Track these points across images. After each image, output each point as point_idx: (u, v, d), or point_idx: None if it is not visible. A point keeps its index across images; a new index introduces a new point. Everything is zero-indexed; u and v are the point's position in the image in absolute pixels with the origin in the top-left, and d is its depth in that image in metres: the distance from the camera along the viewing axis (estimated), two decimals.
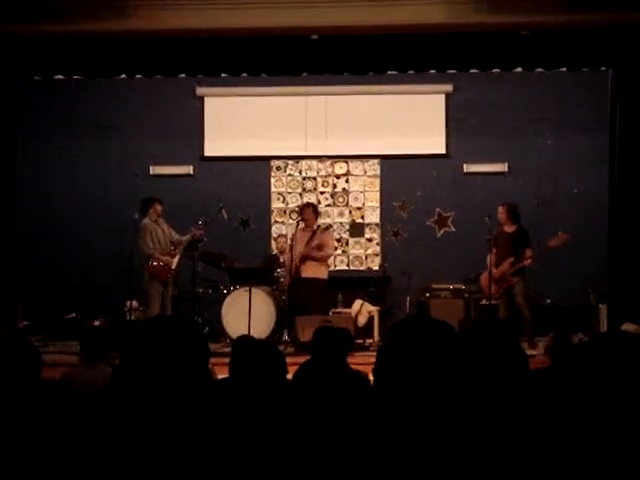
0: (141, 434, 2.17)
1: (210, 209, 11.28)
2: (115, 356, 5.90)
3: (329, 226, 12.09)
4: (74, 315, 11.26)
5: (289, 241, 10.94)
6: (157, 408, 2.18)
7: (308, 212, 10.68)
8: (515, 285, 10.05)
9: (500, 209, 10.33)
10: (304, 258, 10.41)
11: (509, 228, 10.29)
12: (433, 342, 2.42)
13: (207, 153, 12.56)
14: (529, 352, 7.50)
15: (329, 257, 10.90)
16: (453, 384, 2.39)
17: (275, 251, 11.83)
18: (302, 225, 10.66)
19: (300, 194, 12.54)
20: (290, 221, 12.35)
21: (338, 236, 12.34)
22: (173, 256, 10.31)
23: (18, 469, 2.61)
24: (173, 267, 10.30)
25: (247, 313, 9.86)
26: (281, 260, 11.24)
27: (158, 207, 10.40)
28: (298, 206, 11.70)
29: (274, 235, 12.38)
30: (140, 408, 2.19)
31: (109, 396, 2.50)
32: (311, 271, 10.45)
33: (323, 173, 12.61)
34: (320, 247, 10.49)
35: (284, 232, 12.06)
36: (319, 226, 10.86)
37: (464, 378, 2.46)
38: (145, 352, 2.24)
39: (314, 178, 12.62)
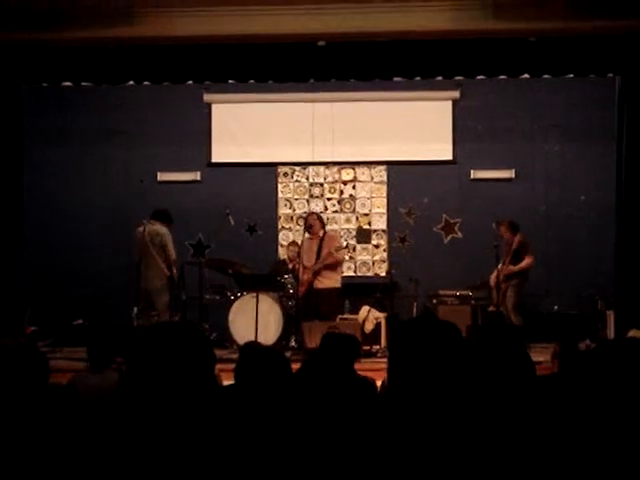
0: (147, 440, 2.17)
1: (217, 215, 11.30)
2: (122, 362, 5.90)
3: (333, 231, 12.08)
4: (81, 321, 11.27)
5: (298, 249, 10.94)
6: (162, 414, 2.19)
7: (313, 219, 10.77)
8: (506, 291, 10.20)
9: (502, 228, 10.60)
10: (316, 273, 10.51)
11: (509, 239, 10.50)
12: (440, 343, 2.42)
13: (214, 159, 12.57)
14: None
15: (341, 261, 10.95)
16: (460, 389, 2.38)
17: (284, 257, 11.82)
18: (307, 235, 10.76)
19: (307, 200, 12.55)
20: (297, 227, 12.36)
21: (345, 242, 12.33)
22: None
23: (25, 473, 2.61)
24: None
25: (254, 319, 9.86)
26: (290, 267, 11.25)
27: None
28: (305, 212, 11.72)
29: (282, 242, 12.38)
30: (146, 414, 2.20)
31: (115, 402, 2.51)
32: (325, 282, 10.56)
33: (330, 179, 12.61)
34: (339, 250, 10.61)
35: (296, 239, 11.92)
36: (325, 233, 10.88)
37: (471, 383, 2.46)
38: (151, 358, 2.24)
39: (321, 184, 12.62)
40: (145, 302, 10.20)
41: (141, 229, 10.39)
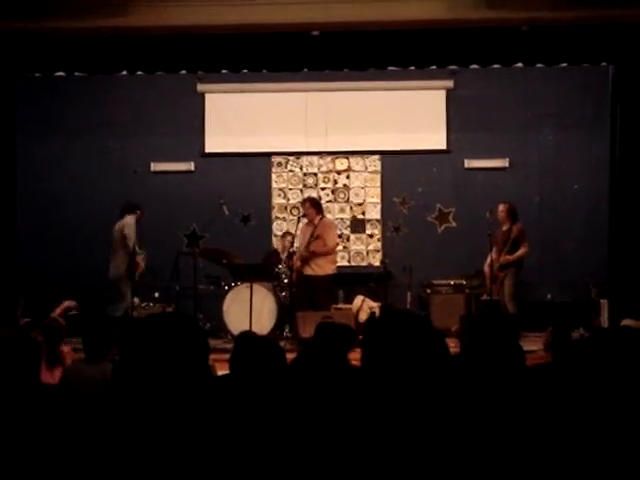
0: (141, 430, 2.17)
1: (211, 205, 11.29)
2: (117, 353, 5.89)
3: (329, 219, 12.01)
4: (75, 312, 11.25)
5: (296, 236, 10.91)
6: (156, 404, 2.19)
7: (305, 206, 10.77)
8: (504, 279, 10.15)
9: (501, 207, 10.39)
10: (305, 259, 10.47)
11: (505, 226, 10.36)
12: (411, 337, 2.42)
13: (208, 149, 12.55)
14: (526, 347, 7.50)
15: (332, 249, 10.77)
16: (444, 379, 2.39)
17: (278, 247, 11.79)
18: (305, 220, 10.75)
19: (301, 190, 12.53)
20: (291, 217, 12.36)
21: (339, 232, 12.30)
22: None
23: (19, 466, 2.61)
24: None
25: (248, 309, 9.86)
26: (282, 257, 11.22)
27: (140, 213, 11.00)
28: (299, 202, 11.70)
29: (276, 232, 12.36)
30: (140, 404, 2.20)
31: (109, 393, 2.51)
32: (315, 269, 10.48)
33: (324, 169, 12.60)
34: (318, 238, 10.48)
35: (290, 230, 11.88)
36: (322, 218, 10.80)
37: (462, 375, 2.47)
38: (145, 348, 2.24)
39: (315, 174, 12.61)
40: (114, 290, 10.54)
41: (118, 224, 10.73)
